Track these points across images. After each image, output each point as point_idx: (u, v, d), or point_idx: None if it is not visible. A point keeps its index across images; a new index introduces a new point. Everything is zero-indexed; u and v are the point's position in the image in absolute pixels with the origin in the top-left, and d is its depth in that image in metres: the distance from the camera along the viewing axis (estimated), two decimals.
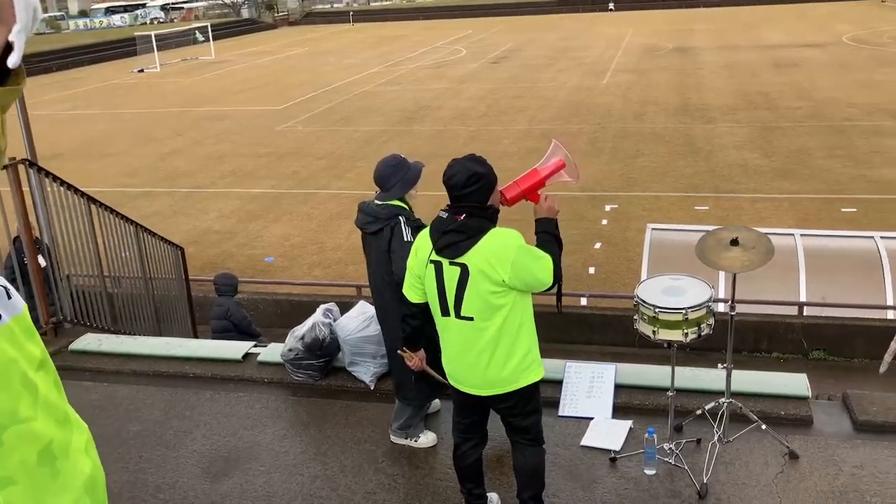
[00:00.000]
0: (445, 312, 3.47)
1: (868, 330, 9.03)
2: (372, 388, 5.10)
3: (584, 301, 11.03)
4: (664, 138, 21.13)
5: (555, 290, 3.52)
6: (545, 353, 5.96)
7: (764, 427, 4.13)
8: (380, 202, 4.26)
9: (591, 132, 22.31)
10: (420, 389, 4.38)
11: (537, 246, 3.45)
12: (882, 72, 28.69)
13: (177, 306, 8.50)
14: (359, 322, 5.05)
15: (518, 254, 3.31)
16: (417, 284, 3.60)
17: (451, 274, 3.39)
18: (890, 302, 9.31)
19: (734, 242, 3.89)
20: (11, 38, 0.95)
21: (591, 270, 12.95)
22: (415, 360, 3.92)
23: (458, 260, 3.36)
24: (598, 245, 13.94)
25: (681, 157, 19.16)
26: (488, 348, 3.40)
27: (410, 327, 3.79)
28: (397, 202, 4.24)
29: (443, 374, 3.80)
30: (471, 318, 3.39)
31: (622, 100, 26.72)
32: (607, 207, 15.81)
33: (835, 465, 4.03)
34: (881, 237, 10.25)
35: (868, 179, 16.44)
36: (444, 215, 3.44)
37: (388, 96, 30.16)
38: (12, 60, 0.96)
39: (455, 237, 3.35)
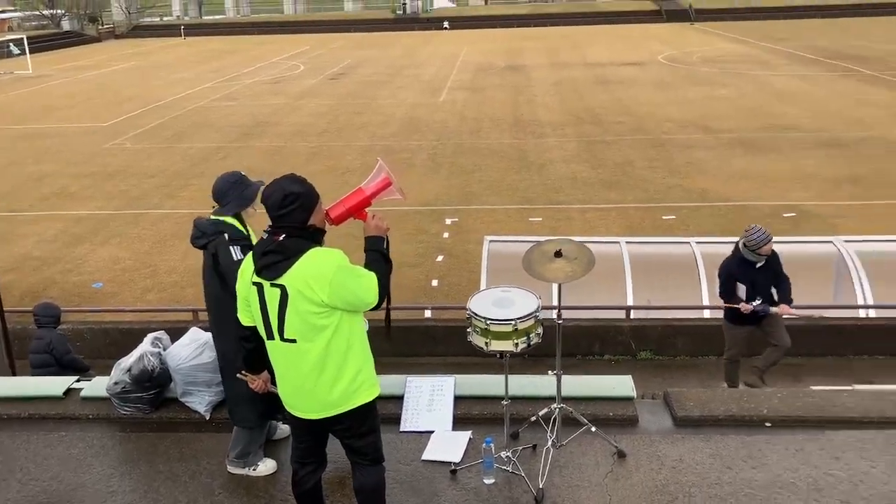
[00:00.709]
0: (270, 335, 3.41)
1: (688, 329, 9.71)
2: (208, 418, 4.90)
3: (428, 313, 11.17)
4: (499, 153, 21.85)
5: (382, 309, 3.50)
6: (388, 368, 6.00)
7: (594, 429, 4.34)
8: (212, 217, 4.20)
9: (431, 148, 22.71)
10: (253, 410, 4.26)
11: (365, 265, 3.44)
12: (693, 90, 31.12)
13: None
14: (191, 350, 4.84)
15: (337, 273, 3.28)
16: (245, 307, 3.52)
17: (272, 295, 3.33)
18: (706, 302, 10.05)
19: (558, 254, 4.07)
20: None
21: (435, 283, 13.14)
22: (258, 382, 3.82)
23: (277, 281, 3.30)
24: (440, 258, 14.18)
25: (515, 172, 19.88)
26: (314, 371, 3.35)
27: (246, 350, 3.70)
28: (228, 219, 4.19)
29: None
30: (294, 341, 3.34)
31: (458, 116, 27.40)
32: (448, 221, 16.12)
33: (658, 460, 4.29)
34: (696, 242, 11.06)
35: (684, 188, 17.75)
36: (265, 236, 3.39)
37: (224, 112, 29.33)
38: None
39: (273, 258, 3.30)
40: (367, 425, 3.55)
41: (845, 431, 4.54)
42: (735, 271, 7.07)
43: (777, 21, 61.48)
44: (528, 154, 21.68)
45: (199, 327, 5.14)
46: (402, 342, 9.72)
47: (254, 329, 3.55)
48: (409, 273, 13.45)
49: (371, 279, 3.34)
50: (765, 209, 16.06)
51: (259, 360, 3.73)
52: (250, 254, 3.47)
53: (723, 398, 4.91)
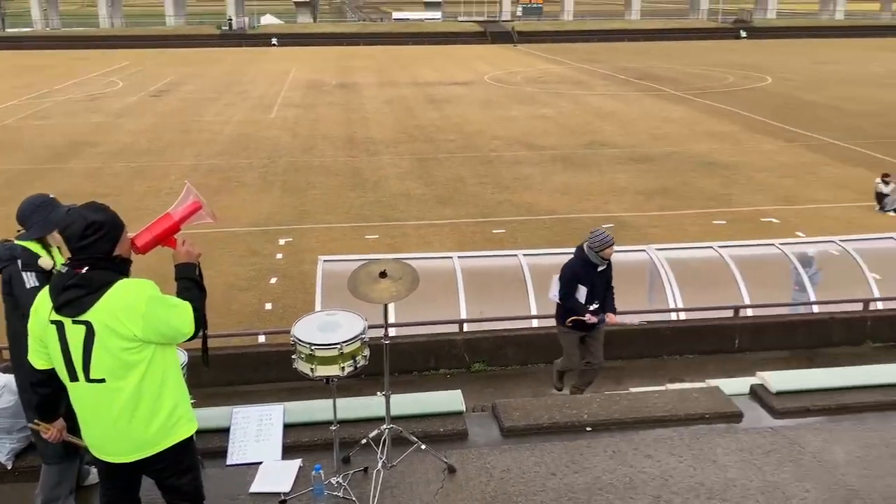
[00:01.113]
0: (74, 377, 3.15)
1: (518, 339, 10.04)
2: (10, 468, 4.49)
3: (262, 338, 10.86)
4: (333, 171, 21.75)
5: (199, 338, 3.34)
6: (217, 399, 5.77)
7: (424, 447, 4.37)
8: (15, 240, 3.97)
9: (261, 166, 22.23)
10: (50, 446, 3.96)
11: (178, 294, 3.27)
12: (517, 108, 32.46)
13: None
14: None
15: (150, 305, 3.10)
16: (40, 348, 3.22)
17: (75, 334, 3.08)
18: (534, 312, 10.45)
19: (383, 275, 4.08)
20: None
21: (269, 306, 12.83)
22: (52, 431, 3.50)
23: (82, 318, 3.06)
24: (273, 280, 13.87)
25: (350, 189, 19.85)
26: (127, 410, 3.14)
27: (40, 396, 3.38)
28: (28, 244, 3.94)
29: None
30: (102, 380, 3.11)
31: (290, 134, 27.03)
32: (282, 241, 15.82)
33: (487, 472, 4.39)
34: (524, 255, 11.50)
35: (512, 203, 18.43)
36: (64, 270, 3.13)
37: (33, 131, 27.28)
38: None
39: (76, 293, 3.06)
40: (187, 462, 3.38)
41: (656, 430, 4.85)
42: (579, 272, 7.24)
43: (591, 44, 65.45)
44: (362, 171, 21.72)
45: None
46: (234, 370, 9.40)
47: (50, 372, 3.26)
48: (241, 297, 13.05)
49: (186, 309, 3.18)
50: (586, 221, 16.96)
51: (54, 407, 3.45)
52: (44, 290, 3.19)
53: (547, 406, 5.11)
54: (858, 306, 10.58)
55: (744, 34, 69.62)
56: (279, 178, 21.00)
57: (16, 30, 72.22)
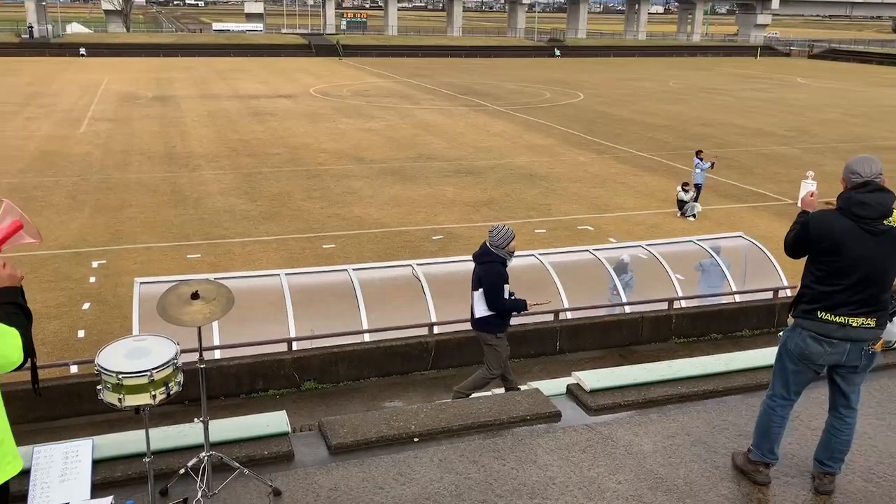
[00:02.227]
0: None
1: (350, 354, 9.98)
2: None
3: (74, 369, 10.10)
4: (151, 188, 20.71)
5: (27, 366, 3.08)
6: (21, 437, 5.26)
7: (246, 472, 4.22)
8: None
9: (71, 184, 20.79)
10: None
11: (0, 320, 3.00)
12: (344, 121, 32.42)
13: None
14: None
15: None
16: None
17: None
18: (365, 326, 10.43)
19: (195, 296, 3.91)
20: None
21: (81, 334, 12.00)
22: None
23: None
24: (86, 305, 12.98)
25: (169, 206, 18.97)
26: None
27: None
28: None
29: None
30: None
31: (102, 149, 25.48)
32: (95, 264, 14.86)
33: (314, 492, 4.30)
34: (353, 269, 11.46)
35: (342, 217, 18.34)
36: None
37: None
38: None
39: None
40: None
41: (481, 435, 4.96)
42: (504, 273, 6.99)
43: (415, 58, 66.68)
44: (182, 188, 20.83)
45: None
46: (41, 405, 8.66)
47: None
48: (50, 326, 12.11)
49: (15, 336, 2.93)
50: (417, 233, 17.21)
51: None
52: None
53: (375, 420, 5.09)
54: (664, 305, 11.41)
55: (558, 52, 73.61)
56: (91, 196, 19.72)
57: None
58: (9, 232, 3.26)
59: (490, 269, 6.98)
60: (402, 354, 10.15)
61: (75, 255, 15.35)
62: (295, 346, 9.97)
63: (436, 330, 10.57)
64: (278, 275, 11.38)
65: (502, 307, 7.03)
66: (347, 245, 16.38)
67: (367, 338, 10.70)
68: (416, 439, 4.92)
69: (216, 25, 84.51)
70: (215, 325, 9.95)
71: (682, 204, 19.02)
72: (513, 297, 7.11)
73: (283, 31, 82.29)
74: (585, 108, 38.77)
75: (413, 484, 4.38)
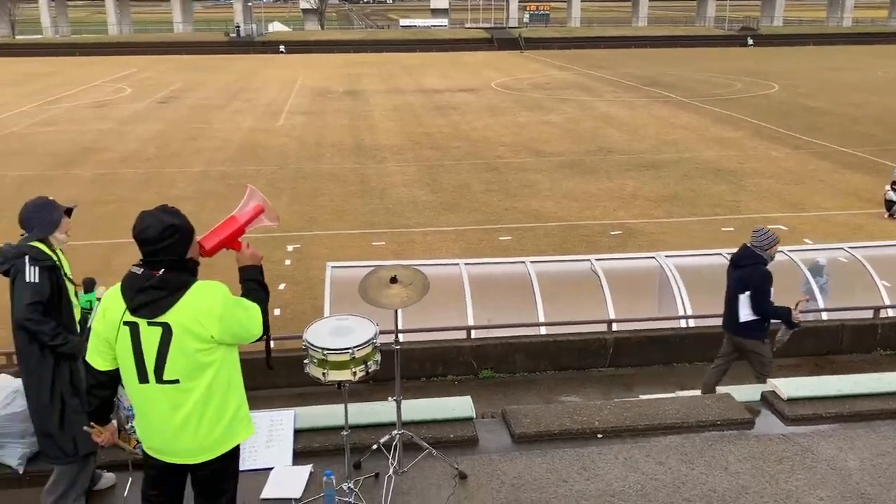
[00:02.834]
0: (144, 379, 3.15)
1: (526, 346, 10.02)
2: (21, 472, 4.49)
3: (271, 344, 10.86)
4: (340, 178, 21.79)
5: (264, 339, 3.38)
6: None
7: (435, 453, 4.36)
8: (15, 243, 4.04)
9: (270, 173, 22.28)
10: (65, 442, 3.97)
11: (244, 295, 3.31)
12: (524, 115, 32.48)
13: None
14: (0, 399, 4.44)
15: (226, 307, 3.13)
16: (105, 349, 3.21)
17: (151, 335, 3.10)
18: (541, 319, 10.43)
19: (393, 280, 4.08)
20: None
21: (277, 312, 12.84)
22: (104, 435, 3.47)
23: (159, 319, 3.09)
24: (282, 286, 13.88)
25: (357, 196, 19.88)
26: (196, 411, 3.17)
27: (99, 399, 3.36)
28: (33, 242, 4.01)
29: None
30: (176, 381, 3.13)
31: (298, 141, 27.09)
32: (290, 248, 15.84)
33: (498, 478, 4.38)
34: (531, 261, 11.48)
35: (519, 210, 18.43)
36: (139, 271, 3.14)
37: (42, 138, 27.40)
38: None
39: (154, 294, 3.08)
40: (234, 466, 3.43)
41: (668, 437, 4.82)
42: (771, 276, 6.75)
43: (597, 50, 65.50)
44: (369, 178, 21.76)
45: (9, 373, 4.73)
46: (243, 376, 9.38)
47: (111, 374, 3.27)
48: None
49: (257, 310, 3.25)
50: (595, 227, 16.96)
51: (109, 410, 3.46)
52: (115, 290, 3.19)
53: (557, 413, 5.09)
54: (868, 313, 10.53)
55: (751, 42, 69.64)
56: (288, 185, 21.05)
57: (25, 37, 72.66)
58: (252, 215, 3.57)
59: (755, 271, 6.73)
60: (578, 349, 10.06)
61: (273, 239, 16.43)
62: (473, 334, 10.16)
63: (614, 327, 10.38)
64: (458, 264, 11.63)
65: (769, 311, 6.75)
66: (524, 237, 16.43)
67: (542, 331, 10.69)
68: (599, 435, 4.87)
69: (403, 21, 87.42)
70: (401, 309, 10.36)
71: (891, 204, 17.43)
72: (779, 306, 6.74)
73: (467, 25, 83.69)
74: (780, 99, 36.44)
75: (597, 480, 4.34)
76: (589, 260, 11.71)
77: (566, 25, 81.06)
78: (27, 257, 3.94)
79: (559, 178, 21.43)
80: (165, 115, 32.67)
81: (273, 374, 9.78)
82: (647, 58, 59.04)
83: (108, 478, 4.50)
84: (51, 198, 4.17)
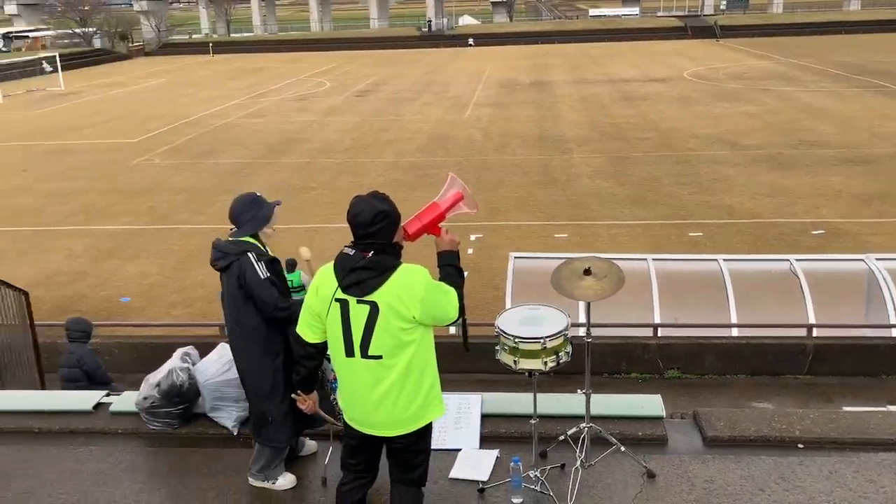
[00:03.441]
0: (350, 353, 3.38)
1: (716, 347, 9.60)
2: (236, 434, 4.91)
3: (452, 330, 11.13)
4: (524, 169, 21.86)
5: (458, 323, 3.52)
6: None
7: (623, 449, 4.28)
8: (231, 238, 4.23)
9: (456, 164, 22.75)
10: (283, 430, 4.28)
11: (441, 279, 3.47)
12: (720, 105, 30.96)
13: (22, 354, 7.91)
14: (220, 365, 4.87)
15: (427, 290, 3.31)
16: (315, 323, 3.47)
17: (359, 312, 3.32)
18: (734, 320, 9.94)
19: (587, 272, 4.04)
20: None
21: None
22: (308, 403, 3.78)
23: (368, 298, 3.30)
24: (465, 274, 14.15)
25: (540, 187, 19.86)
26: (396, 386, 3.36)
27: (307, 369, 3.66)
28: (248, 238, 4.22)
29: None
30: (379, 357, 3.33)
31: (483, 132, 27.47)
32: (472, 237, 16.12)
33: (688, 480, 4.23)
34: (724, 259, 10.96)
35: (711, 205, 17.62)
36: (351, 252, 3.37)
37: (252, 129, 29.65)
38: None
39: (365, 274, 3.30)
40: (425, 443, 3.58)
41: (880, 454, 4.45)
42: None
43: (801, 37, 61.12)
44: (553, 170, 21.67)
45: (228, 342, 5.16)
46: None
47: (320, 346, 3.54)
48: None
49: (454, 294, 3.39)
50: (794, 226, 15.91)
51: (314, 380, 3.75)
52: (328, 268, 3.44)
53: (754, 418, 4.84)
54: None
55: None
56: (472, 175, 21.40)
57: (239, 35, 78.85)
58: (452, 202, 3.68)
59: None
60: (774, 354, 9.51)
61: (456, 229, 16.63)
62: (660, 332, 9.87)
63: (815, 332, 9.70)
64: (645, 259, 11.32)
65: None
66: (715, 234, 15.71)
67: (735, 332, 10.20)
68: (800, 445, 4.57)
69: (592, 11, 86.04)
70: (581, 302, 10.25)
71: None
72: None
73: (659, 14, 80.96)
74: None
75: (798, 492, 4.09)
76: (788, 260, 11.00)
77: (767, 11, 76.24)
78: (251, 255, 4.11)
79: (755, 173, 20.25)
80: (361, 108, 34.26)
81: (455, 359, 10.05)
82: (857, 44, 54.29)
83: (310, 445, 4.81)
84: (258, 193, 4.37)
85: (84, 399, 5.52)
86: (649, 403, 4.88)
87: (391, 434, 3.46)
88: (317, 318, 3.46)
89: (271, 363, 4.21)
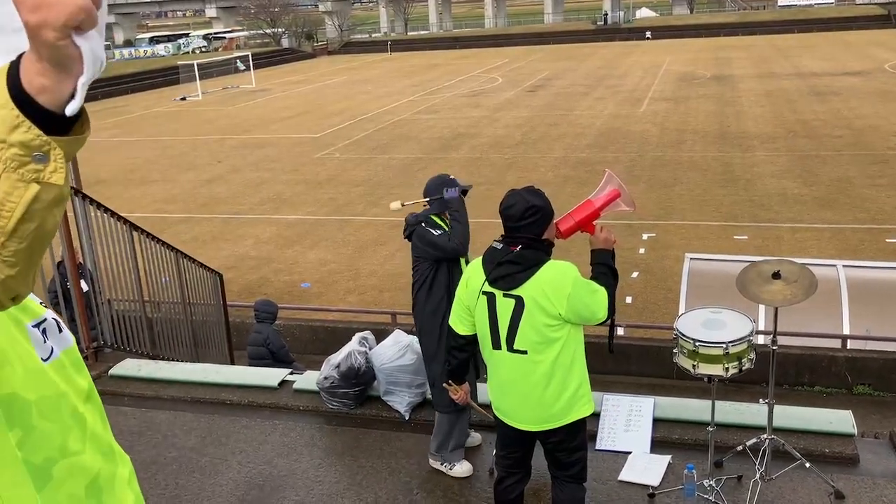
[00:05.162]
0: (497, 345, 3.41)
1: None
2: (407, 418, 5.08)
3: (621, 331, 10.90)
4: (702, 167, 20.96)
5: (608, 324, 3.46)
6: None
7: (808, 465, 4.02)
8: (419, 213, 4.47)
9: (628, 160, 22.22)
10: (441, 395, 4.35)
11: (593, 278, 3.41)
12: None
13: (214, 331, 8.58)
14: (394, 351, 5.05)
15: (575, 287, 3.27)
16: (466, 315, 3.54)
17: (505, 306, 3.35)
18: None
19: (776, 276, 3.82)
20: (77, 88, 0.96)
21: (629, 300, 12.81)
22: (460, 393, 3.85)
23: (514, 292, 3.32)
24: (635, 274, 13.80)
25: (719, 186, 18.97)
26: (541, 382, 3.35)
27: (457, 360, 3.73)
28: (433, 217, 4.40)
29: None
30: (524, 352, 3.34)
31: (659, 128, 26.61)
32: (644, 236, 15.68)
33: None
34: None
35: None
36: (499, 246, 3.40)
37: (425, 124, 30.41)
38: (71, 108, 0.97)
39: (511, 268, 3.32)
40: (579, 440, 3.53)
41: None
42: None
43: None
44: (733, 168, 20.63)
45: (402, 329, 5.34)
46: (594, 358, 9.55)
47: (470, 338, 3.59)
48: None
49: (603, 294, 3.32)
50: None
51: (465, 371, 3.81)
52: (477, 262, 3.50)
53: None
54: None
55: None
56: (645, 172, 20.82)
57: (416, 33, 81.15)
58: (607, 199, 3.60)
59: None
60: None
61: (628, 227, 16.39)
62: (849, 344, 9.16)
63: None
64: (834, 265, 10.55)
65: None
66: None
67: None
68: None
69: (781, 0, 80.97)
70: (761, 307, 9.70)
71: None
72: None
73: (858, 1, 74.89)
74: None
75: None
76: None
77: None
78: (423, 223, 4.35)
79: None
80: (532, 103, 34.22)
81: (624, 361, 9.83)
82: None
83: (475, 437, 4.88)
84: (451, 176, 4.54)
85: (270, 376, 5.91)
86: (838, 419, 4.54)
87: (537, 429, 3.45)
88: (466, 311, 3.51)
89: (440, 324, 4.30)
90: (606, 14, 71.38)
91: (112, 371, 6.11)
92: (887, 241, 14.42)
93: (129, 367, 6.17)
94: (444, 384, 3.86)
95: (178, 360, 6.88)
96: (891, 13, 62.30)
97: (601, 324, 3.39)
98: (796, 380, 8.99)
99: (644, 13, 78.46)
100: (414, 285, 4.45)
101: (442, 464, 4.53)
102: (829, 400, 8.66)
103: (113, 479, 1.39)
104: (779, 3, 78.72)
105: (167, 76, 51.68)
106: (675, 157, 22.29)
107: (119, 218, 6.48)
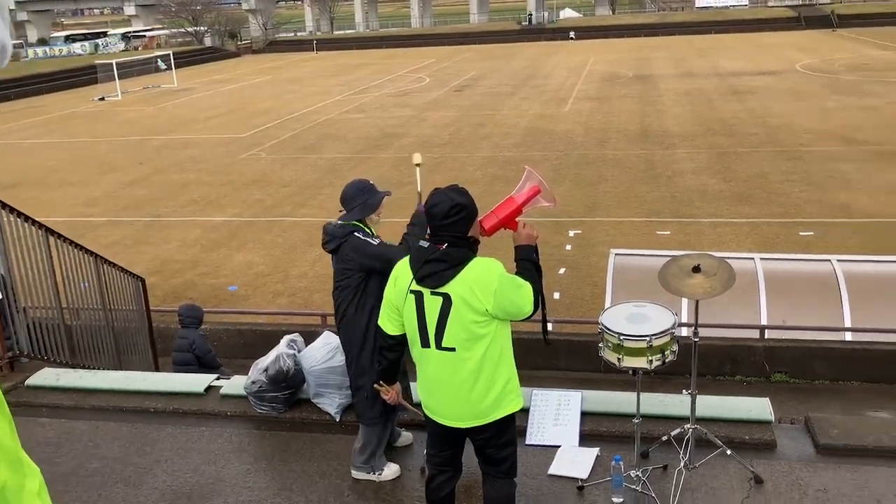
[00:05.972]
0: (425, 343, 3.44)
1: (828, 352, 9.17)
2: (338, 420, 5.04)
3: (549, 326, 11.04)
4: (625, 164, 21.43)
5: (538, 316, 3.51)
6: None
7: (729, 452, 4.16)
8: (340, 222, 4.34)
9: (555, 159, 22.56)
10: (374, 407, 4.32)
11: (518, 274, 3.45)
12: (834, 99, 29.49)
13: (138, 338, 8.35)
14: (324, 353, 5.00)
15: (501, 283, 3.31)
16: (395, 315, 3.55)
17: (433, 304, 3.37)
18: (848, 324, 9.47)
19: (696, 269, 3.94)
20: None
21: (556, 296, 13.01)
22: (391, 393, 3.86)
23: (441, 290, 3.35)
24: (562, 270, 14.02)
25: (642, 183, 19.43)
26: (470, 379, 3.38)
27: (388, 360, 3.73)
28: (356, 222, 4.32)
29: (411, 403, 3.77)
30: (452, 349, 3.37)
31: (584, 127, 27.09)
32: (571, 233, 15.94)
33: (799, 488, 4.07)
34: (838, 260, 10.46)
35: (823, 203, 16.82)
36: (426, 245, 3.42)
37: (353, 124, 30.22)
38: None
39: (437, 266, 3.34)
40: (508, 436, 3.57)
41: None
42: None
43: None
44: (655, 165, 21.16)
45: (331, 331, 5.29)
46: (523, 354, 9.66)
47: (399, 338, 3.60)
48: None
49: (528, 289, 3.38)
50: None
51: (396, 371, 3.81)
52: (404, 261, 3.52)
53: (872, 426, 4.61)
54: None
55: None
56: (571, 170, 21.16)
57: (342, 32, 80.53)
58: (528, 196, 3.66)
59: None
60: (893, 360, 9.00)
61: (555, 224, 16.64)
62: (767, 334, 9.51)
63: None
64: (752, 258, 10.93)
65: None
66: (828, 234, 14.98)
67: (849, 336, 9.71)
68: None
69: (699, 2, 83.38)
70: (684, 300, 9.99)
71: None
72: None
73: (770, 3, 77.80)
74: None
75: None
76: None
77: None
78: (355, 234, 4.25)
79: (874, 170, 19.19)
80: (459, 103, 34.38)
81: (552, 356, 9.97)
82: None
83: (406, 436, 4.88)
84: (371, 181, 4.50)
85: (196, 382, 5.78)
86: (757, 407, 4.71)
87: (466, 426, 3.47)
88: (395, 311, 3.53)
89: (373, 338, 4.24)
90: (531, 14, 72.26)
91: (29, 381, 5.87)
92: (800, 233, 15.03)
93: (48, 376, 5.94)
94: (375, 385, 3.85)
95: (99, 369, 6.66)
96: (801, 15, 64.98)
97: (528, 318, 3.43)
98: (718, 370, 9.28)
99: (567, 13, 79.72)
100: (340, 297, 4.34)
101: (369, 473, 4.50)
102: (749, 388, 8.97)
103: (21, 491, 1.33)
104: (696, 5, 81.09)
105: (85, 76, 49.91)
106: (600, 155, 22.73)
107: (34, 223, 6.24)
